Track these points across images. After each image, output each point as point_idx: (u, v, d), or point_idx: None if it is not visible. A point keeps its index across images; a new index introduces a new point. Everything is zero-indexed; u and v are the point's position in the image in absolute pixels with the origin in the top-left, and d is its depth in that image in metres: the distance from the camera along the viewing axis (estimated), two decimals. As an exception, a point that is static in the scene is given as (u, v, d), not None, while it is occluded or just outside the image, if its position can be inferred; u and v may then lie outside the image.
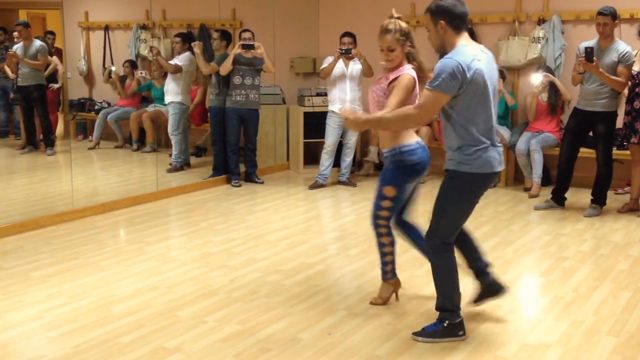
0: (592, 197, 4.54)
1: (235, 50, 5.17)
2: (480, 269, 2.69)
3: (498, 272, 3.32)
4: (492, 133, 2.38)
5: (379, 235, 2.78)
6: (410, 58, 2.68)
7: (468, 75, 2.25)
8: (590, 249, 3.75)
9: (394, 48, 2.60)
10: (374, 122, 2.50)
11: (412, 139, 2.66)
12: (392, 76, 2.65)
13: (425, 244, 2.55)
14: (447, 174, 2.43)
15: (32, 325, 2.67)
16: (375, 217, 2.75)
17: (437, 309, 2.55)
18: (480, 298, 2.72)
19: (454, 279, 2.50)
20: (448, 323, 2.50)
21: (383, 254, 2.83)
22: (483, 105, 2.33)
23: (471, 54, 2.30)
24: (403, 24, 2.64)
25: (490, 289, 2.70)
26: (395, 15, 2.64)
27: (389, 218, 2.75)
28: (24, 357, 2.39)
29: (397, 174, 2.66)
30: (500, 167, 2.42)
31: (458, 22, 2.34)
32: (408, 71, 2.63)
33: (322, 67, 5.36)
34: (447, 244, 2.48)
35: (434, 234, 2.47)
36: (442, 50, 2.38)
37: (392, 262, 2.84)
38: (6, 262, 3.46)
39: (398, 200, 2.70)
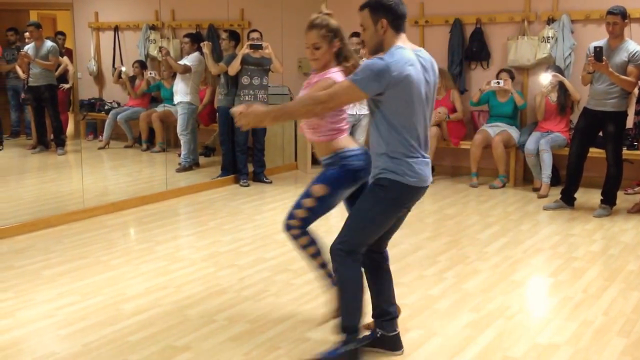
0: (601, 197, 4.51)
1: (244, 50, 5.19)
2: (387, 313, 2.37)
3: (507, 272, 3.32)
4: (423, 144, 2.20)
5: (294, 238, 2.48)
6: (341, 58, 2.43)
7: (394, 80, 2.06)
8: (600, 249, 3.73)
9: (320, 46, 2.37)
10: (277, 111, 2.18)
11: (354, 144, 2.44)
12: (315, 79, 2.42)
13: (330, 251, 2.25)
14: (376, 181, 2.20)
15: (43, 323, 2.69)
16: (290, 217, 2.46)
17: (340, 330, 2.27)
18: (368, 343, 2.38)
19: (359, 294, 2.26)
20: (352, 349, 2.24)
21: (312, 257, 2.50)
22: (411, 113, 2.14)
23: (405, 57, 2.10)
24: (332, 21, 2.40)
25: (387, 342, 2.37)
26: (325, 11, 2.41)
27: (306, 222, 2.45)
28: (35, 355, 2.41)
29: (335, 175, 2.40)
30: (430, 181, 2.22)
31: (399, 22, 2.15)
32: (333, 74, 2.38)
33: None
34: (357, 254, 2.23)
35: (345, 241, 2.22)
36: (378, 52, 2.16)
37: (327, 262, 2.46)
38: (17, 260, 3.50)
39: (324, 205, 2.43)
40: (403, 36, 2.18)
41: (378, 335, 2.39)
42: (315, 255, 2.53)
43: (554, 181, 5.15)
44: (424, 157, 2.20)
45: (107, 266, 3.40)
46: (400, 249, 3.71)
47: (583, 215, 4.48)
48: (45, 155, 5.55)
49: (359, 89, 2.09)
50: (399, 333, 2.41)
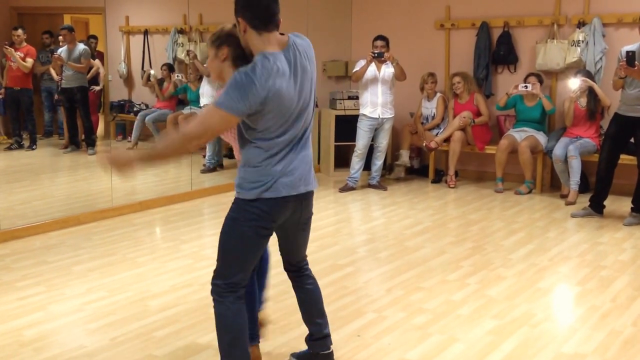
0: (632, 205, 4.40)
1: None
2: (310, 333, 2.28)
3: (532, 279, 3.27)
4: (291, 146, 1.92)
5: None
6: (239, 62, 2.03)
7: (263, 97, 1.77)
8: (629, 258, 3.64)
9: (208, 54, 2.10)
10: (145, 157, 1.85)
11: None
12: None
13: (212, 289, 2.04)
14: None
15: (73, 317, 2.77)
16: None
17: None
18: (306, 357, 2.31)
19: (240, 338, 1.98)
20: None
21: None
22: (280, 121, 1.86)
23: (270, 67, 1.78)
24: (225, 27, 2.06)
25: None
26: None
27: None
28: (65, 348, 2.48)
29: None
30: (286, 192, 1.91)
31: (257, 21, 1.81)
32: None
33: (354, 70, 5.37)
34: (238, 289, 1.99)
35: (216, 274, 2.02)
36: (252, 55, 1.89)
37: None
38: (49, 256, 3.60)
39: None
40: (268, 38, 1.84)
41: (311, 352, 2.28)
42: None
43: (583, 188, 5.05)
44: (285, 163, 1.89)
45: (134, 263, 3.48)
46: (423, 253, 3.69)
47: (612, 223, 4.38)
48: (76, 154, 5.70)
49: (226, 112, 1.76)
50: (330, 353, 2.26)
